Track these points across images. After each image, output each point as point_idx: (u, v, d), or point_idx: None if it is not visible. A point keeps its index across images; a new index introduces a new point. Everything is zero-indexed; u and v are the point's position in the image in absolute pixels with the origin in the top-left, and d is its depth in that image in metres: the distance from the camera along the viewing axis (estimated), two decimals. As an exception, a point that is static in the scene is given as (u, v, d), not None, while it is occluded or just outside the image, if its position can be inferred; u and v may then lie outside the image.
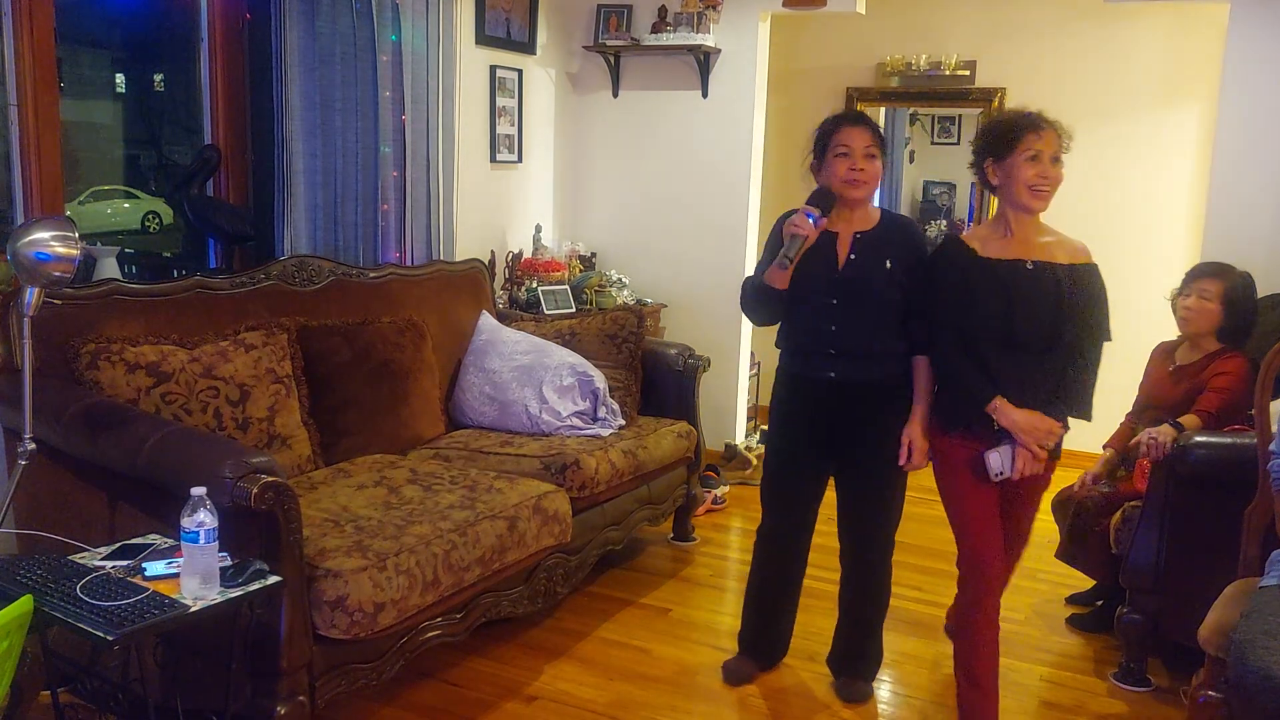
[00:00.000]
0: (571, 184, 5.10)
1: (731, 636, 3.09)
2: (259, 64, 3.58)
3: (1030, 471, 2.49)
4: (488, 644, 3.09)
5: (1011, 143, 2.46)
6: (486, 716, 2.74)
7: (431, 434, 3.51)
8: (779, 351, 2.84)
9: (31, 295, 2.20)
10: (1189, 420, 3.00)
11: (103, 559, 2.08)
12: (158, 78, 4.22)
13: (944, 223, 5.79)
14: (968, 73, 5.21)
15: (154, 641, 2.17)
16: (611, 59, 4.87)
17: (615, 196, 5.03)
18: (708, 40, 4.63)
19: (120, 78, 4.07)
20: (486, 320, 3.91)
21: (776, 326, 2.80)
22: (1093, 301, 2.52)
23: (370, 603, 2.36)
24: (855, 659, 2.91)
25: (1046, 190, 2.48)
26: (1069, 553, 3.35)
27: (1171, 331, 3.73)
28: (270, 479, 2.17)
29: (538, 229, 4.85)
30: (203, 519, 1.91)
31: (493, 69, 4.52)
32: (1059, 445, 2.54)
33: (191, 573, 1.93)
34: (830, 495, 2.86)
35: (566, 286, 4.57)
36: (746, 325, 4.84)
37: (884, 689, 2.98)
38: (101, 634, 1.79)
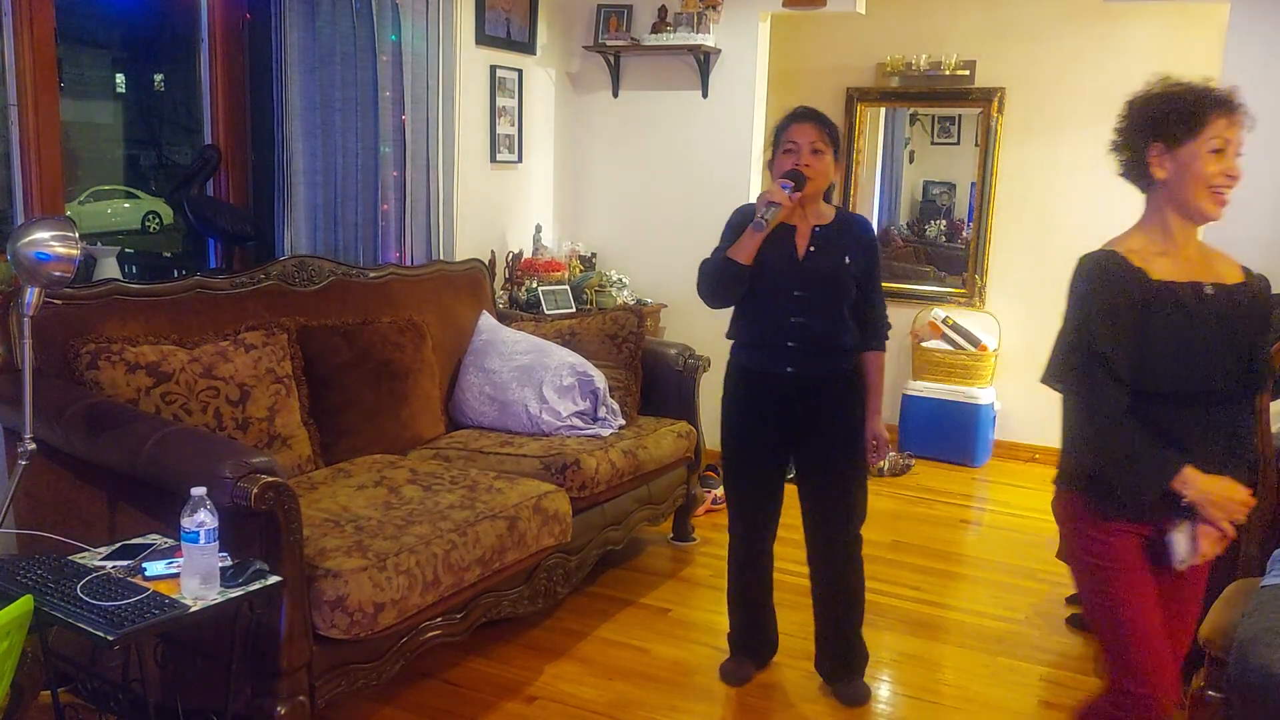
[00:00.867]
0: (571, 184, 5.10)
1: (732, 636, 3.10)
2: (259, 64, 3.58)
3: (1214, 554, 1.91)
4: (488, 644, 3.09)
5: (1195, 126, 1.96)
6: (486, 716, 2.74)
7: (431, 434, 3.51)
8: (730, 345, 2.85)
9: (31, 295, 2.20)
10: None
11: (103, 559, 2.08)
12: (158, 78, 4.21)
13: (944, 222, 5.79)
14: (968, 73, 5.21)
15: (154, 641, 2.17)
16: (611, 59, 4.87)
17: (615, 196, 5.03)
18: (708, 40, 4.63)
19: (120, 78, 4.06)
20: (486, 320, 3.91)
21: (729, 320, 2.81)
22: (1270, 330, 2.03)
23: (370, 603, 2.36)
24: (844, 660, 2.90)
25: (1227, 193, 1.99)
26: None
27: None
28: (270, 479, 2.18)
29: (538, 229, 4.85)
30: (203, 519, 1.91)
31: (493, 69, 4.52)
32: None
33: (191, 573, 1.93)
34: (792, 497, 2.85)
35: (566, 286, 4.57)
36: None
37: (884, 689, 2.98)
38: (101, 634, 1.79)
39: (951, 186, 5.82)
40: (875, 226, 5.71)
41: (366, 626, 2.36)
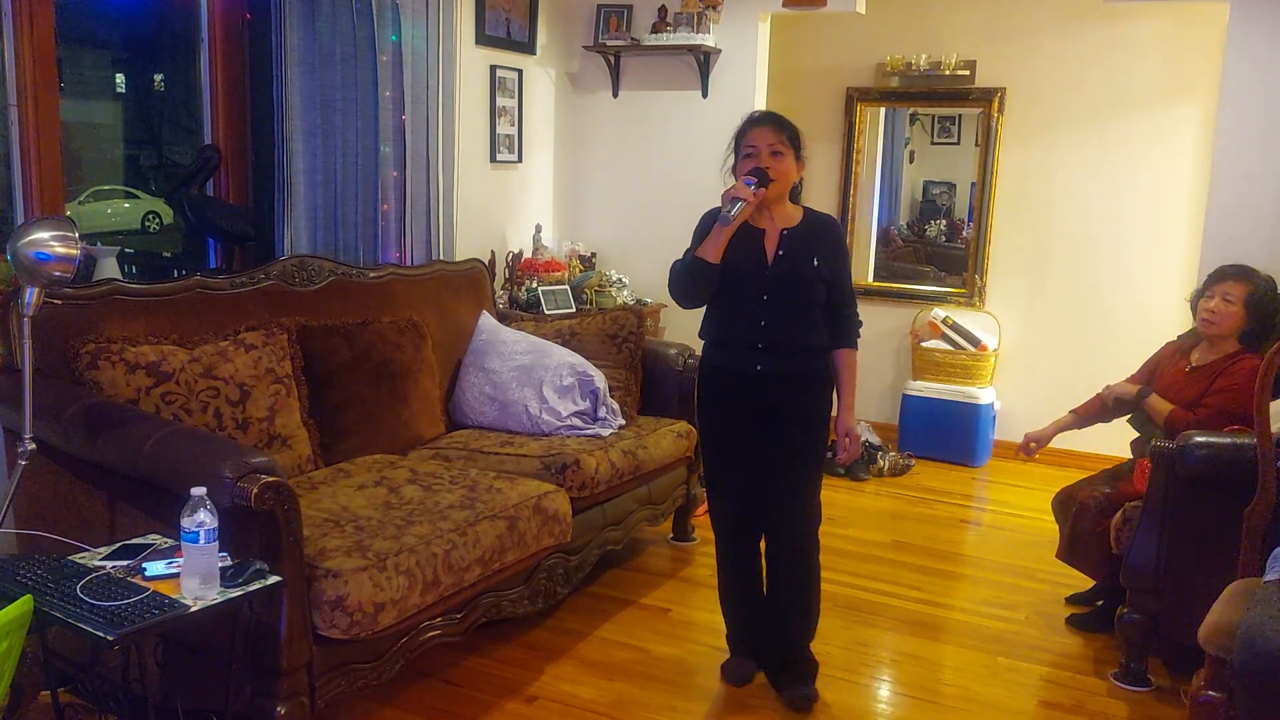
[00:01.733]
0: (571, 184, 5.10)
1: (732, 636, 3.10)
2: (259, 64, 3.58)
3: None
4: (488, 644, 3.09)
5: None
6: (486, 716, 2.74)
7: (431, 434, 3.51)
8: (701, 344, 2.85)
9: (31, 295, 2.20)
10: (1158, 405, 3.18)
11: (103, 559, 2.07)
12: (158, 78, 4.21)
13: (944, 222, 5.79)
14: (968, 73, 5.21)
15: (154, 641, 2.17)
16: (611, 59, 4.87)
17: (615, 196, 5.03)
18: (708, 40, 4.63)
19: (120, 78, 4.07)
20: (486, 320, 3.91)
21: (700, 320, 2.82)
22: None
23: (370, 603, 2.36)
24: (788, 667, 2.85)
25: None
26: (1069, 553, 3.35)
27: (1174, 330, 3.74)
28: (270, 479, 2.17)
29: (538, 229, 4.85)
30: (203, 519, 1.91)
31: (493, 69, 4.52)
32: None
33: (191, 573, 1.93)
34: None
35: (566, 286, 4.57)
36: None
37: (884, 689, 2.98)
38: (101, 634, 1.79)
39: (951, 186, 5.82)
40: (875, 226, 5.75)
41: (366, 626, 2.36)
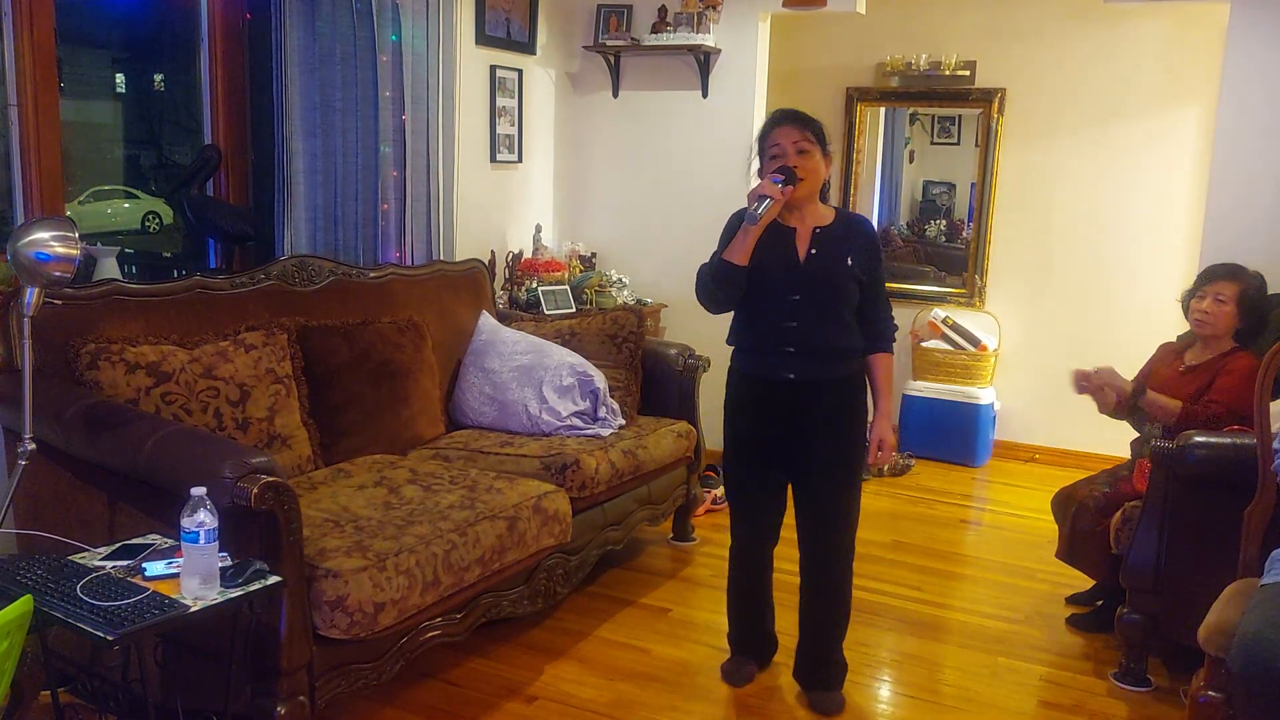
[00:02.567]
0: (571, 184, 5.10)
1: (732, 636, 3.10)
2: (259, 64, 3.58)
3: None
4: (488, 644, 3.09)
5: None
6: (486, 716, 2.74)
7: (431, 434, 3.51)
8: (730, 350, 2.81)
9: (31, 295, 2.20)
10: (1164, 401, 3.13)
11: (103, 559, 2.07)
12: (158, 78, 4.22)
13: (944, 222, 5.79)
14: (968, 73, 5.21)
15: (154, 641, 2.17)
16: (611, 59, 4.87)
17: (615, 196, 5.03)
18: (708, 40, 4.63)
19: (120, 78, 4.07)
20: (486, 320, 3.91)
21: (728, 325, 2.78)
22: None
23: (370, 603, 2.36)
24: (822, 671, 2.86)
25: None
26: (1069, 552, 3.35)
27: (1173, 330, 3.73)
28: (270, 479, 2.17)
29: (538, 229, 4.85)
30: (203, 519, 1.91)
31: (493, 69, 4.52)
32: None
33: (191, 573, 1.93)
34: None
35: (566, 286, 4.57)
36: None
37: (884, 689, 2.98)
38: (101, 634, 1.79)
39: (951, 186, 5.82)
40: (875, 226, 5.74)
41: (366, 626, 2.36)
